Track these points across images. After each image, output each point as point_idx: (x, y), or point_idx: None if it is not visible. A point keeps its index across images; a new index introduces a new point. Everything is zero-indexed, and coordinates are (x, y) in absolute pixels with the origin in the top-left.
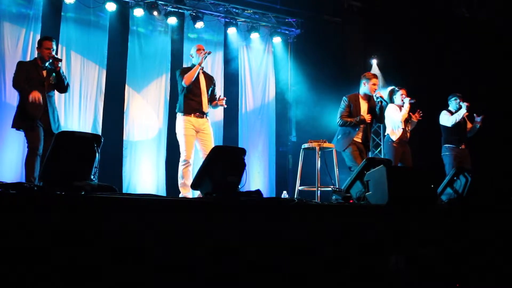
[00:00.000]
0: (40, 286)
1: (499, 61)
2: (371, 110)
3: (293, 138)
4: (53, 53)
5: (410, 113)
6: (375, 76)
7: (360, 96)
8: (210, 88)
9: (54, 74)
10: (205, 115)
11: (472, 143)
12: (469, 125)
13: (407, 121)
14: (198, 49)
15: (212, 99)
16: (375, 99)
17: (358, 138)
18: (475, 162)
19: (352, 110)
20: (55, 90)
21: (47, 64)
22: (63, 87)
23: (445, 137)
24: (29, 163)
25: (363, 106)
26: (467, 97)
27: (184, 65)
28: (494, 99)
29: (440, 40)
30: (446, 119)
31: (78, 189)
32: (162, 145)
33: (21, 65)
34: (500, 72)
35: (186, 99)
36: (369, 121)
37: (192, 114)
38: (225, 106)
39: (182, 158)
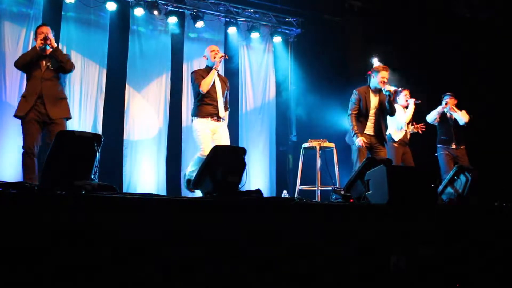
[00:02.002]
0: (40, 286)
1: (499, 61)
2: (381, 103)
3: (293, 137)
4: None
5: (414, 123)
6: (385, 68)
7: (370, 90)
8: (226, 92)
9: (53, 57)
10: (221, 119)
11: (473, 142)
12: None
13: (409, 122)
14: (212, 50)
15: (225, 103)
16: (384, 93)
17: (369, 131)
18: (476, 162)
19: (362, 104)
20: (58, 78)
21: (46, 47)
22: (64, 66)
23: (437, 137)
24: (25, 164)
25: (373, 100)
26: (467, 96)
27: (184, 65)
28: (495, 99)
29: (440, 40)
30: (430, 117)
31: (78, 189)
32: (163, 145)
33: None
34: (500, 72)
35: (202, 103)
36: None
37: (209, 117)
38: None
39: (199, 154)
